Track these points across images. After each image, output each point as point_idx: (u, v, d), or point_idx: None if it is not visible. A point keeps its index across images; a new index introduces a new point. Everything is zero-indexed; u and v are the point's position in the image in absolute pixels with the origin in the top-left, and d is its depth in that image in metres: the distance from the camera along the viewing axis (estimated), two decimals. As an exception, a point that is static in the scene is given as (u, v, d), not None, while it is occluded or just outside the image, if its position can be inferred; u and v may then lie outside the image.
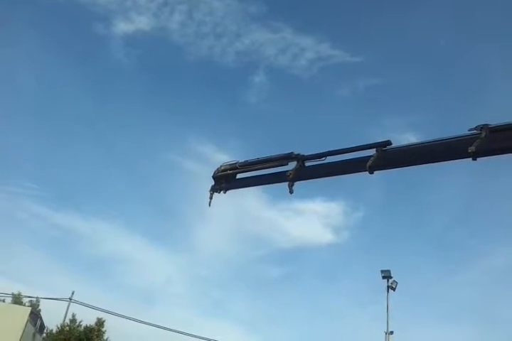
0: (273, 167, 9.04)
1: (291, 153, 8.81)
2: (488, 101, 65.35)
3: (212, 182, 10.02)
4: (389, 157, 7.60)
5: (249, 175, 9.56)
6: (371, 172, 7.67)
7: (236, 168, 9.65)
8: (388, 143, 7.67)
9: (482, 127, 6.66)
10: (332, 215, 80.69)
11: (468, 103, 71.98)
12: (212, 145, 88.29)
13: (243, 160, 9.62)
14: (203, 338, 36.13)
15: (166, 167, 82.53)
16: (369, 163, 7.62)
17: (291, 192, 8.62)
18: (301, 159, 8.60)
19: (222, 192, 9.85)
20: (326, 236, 77.87)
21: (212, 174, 9.97)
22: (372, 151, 7.71)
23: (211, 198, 9.96)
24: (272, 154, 9.06)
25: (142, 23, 77.51)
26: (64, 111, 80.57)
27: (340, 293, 72.18)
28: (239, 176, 9.72)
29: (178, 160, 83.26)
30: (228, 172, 9.74)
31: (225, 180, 9.84)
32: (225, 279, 77.37)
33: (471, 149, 6.55)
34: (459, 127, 7.07)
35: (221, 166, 9.87)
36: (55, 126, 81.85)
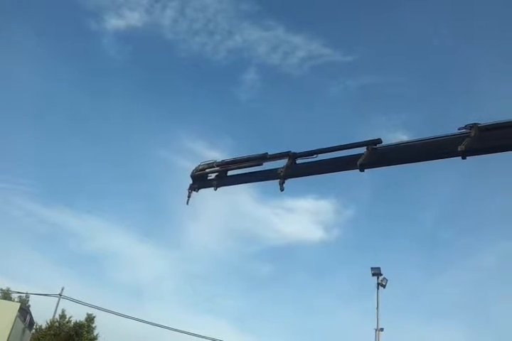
0: (249, 167, 9.14)
1: (266, 153, 8.89)
2: (479, 100, 65.86)
3: (191, 181, 10.02)
4: (379, 155, 7.64)
5: (240, 173, 9.57)
6: (362, 170, 7.72)
7: (213, 167, 9.69)
8: (379, 141, 7.72)
9: (472, 126, 6.72)
10: (323, 213, 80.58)
11: (459, 102, 72.42)
12: (203, 142, 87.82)
13: (220, 160, 9.69)
14: (192, 334, 36.28)
15: (157, 163, 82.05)
16: (360, 160, 7.66)
17: (282, 189, 8.64)
18: (292, 157, 8.60)
19: (213, 189, 9.84)
20: (317, 234, 77.86)
21: (190, 173, 9.98)
22: (363, 149, 7.75)
23: (189, 197, 10.02)
24: (265, 152, 9.04)
25: (134, 19, 76.72)
26: (56, 107, 79.65)
27: (330, 290, 72.47)
28: (230, 173, 9.73)
29: (169, 157, 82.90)
30: (206, 171, 9.81)
31: (202, 179, 9.91)
32: (216, 276, 77.35)
33: (461, 148, 6.62)
34: (450, 126, 7.14)
35: (199, 165, 9.91)
36: (46, 122, 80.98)
